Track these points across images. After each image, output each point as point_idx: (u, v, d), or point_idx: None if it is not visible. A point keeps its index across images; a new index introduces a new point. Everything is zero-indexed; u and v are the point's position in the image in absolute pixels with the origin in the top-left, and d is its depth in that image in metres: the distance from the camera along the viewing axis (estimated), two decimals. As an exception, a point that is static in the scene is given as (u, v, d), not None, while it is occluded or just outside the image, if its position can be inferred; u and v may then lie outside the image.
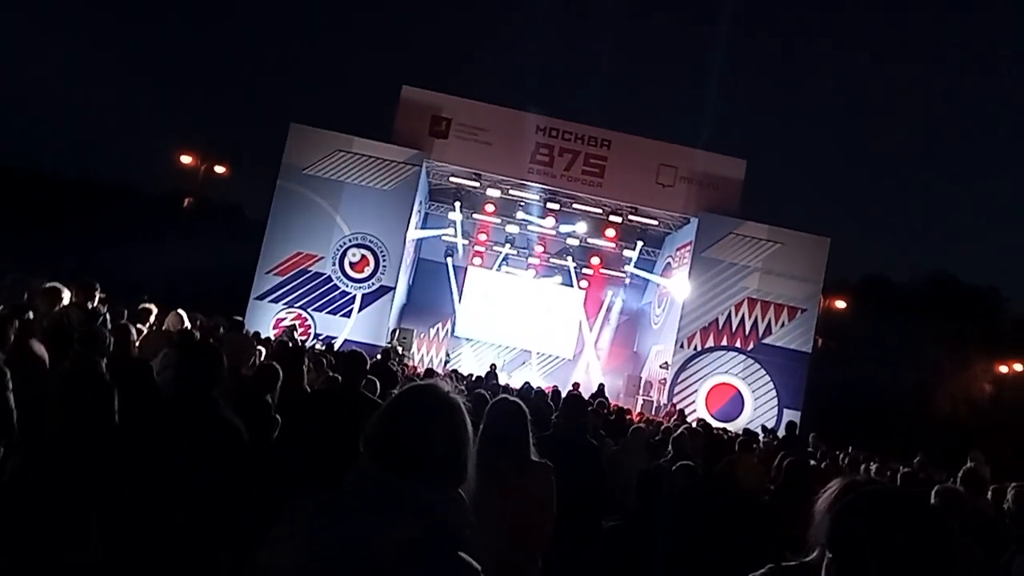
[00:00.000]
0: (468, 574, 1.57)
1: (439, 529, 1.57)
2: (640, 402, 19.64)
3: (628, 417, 11.17)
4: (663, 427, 9.42)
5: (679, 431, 7.82)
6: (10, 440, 3.40)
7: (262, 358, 7.04)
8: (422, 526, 1.56)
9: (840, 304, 22.94)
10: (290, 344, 8.95)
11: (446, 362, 20.21)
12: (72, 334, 3.74)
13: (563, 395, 11.82)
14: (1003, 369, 28.43)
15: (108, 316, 5.46)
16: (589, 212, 21.30)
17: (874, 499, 1.60)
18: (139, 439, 3.12)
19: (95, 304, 5.63)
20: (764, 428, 14.26)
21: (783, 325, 19.03)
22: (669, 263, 21.76)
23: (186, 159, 22.32)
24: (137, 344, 6.10)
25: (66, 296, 5.16)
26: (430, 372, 11.20)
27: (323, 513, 1.59)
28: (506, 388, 13.25)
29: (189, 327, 7.74)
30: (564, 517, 3.36)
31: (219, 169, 22.89)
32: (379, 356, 10.27)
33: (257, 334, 12.33)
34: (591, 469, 4.79)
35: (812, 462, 8.38)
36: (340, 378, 5.25)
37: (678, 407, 17.09)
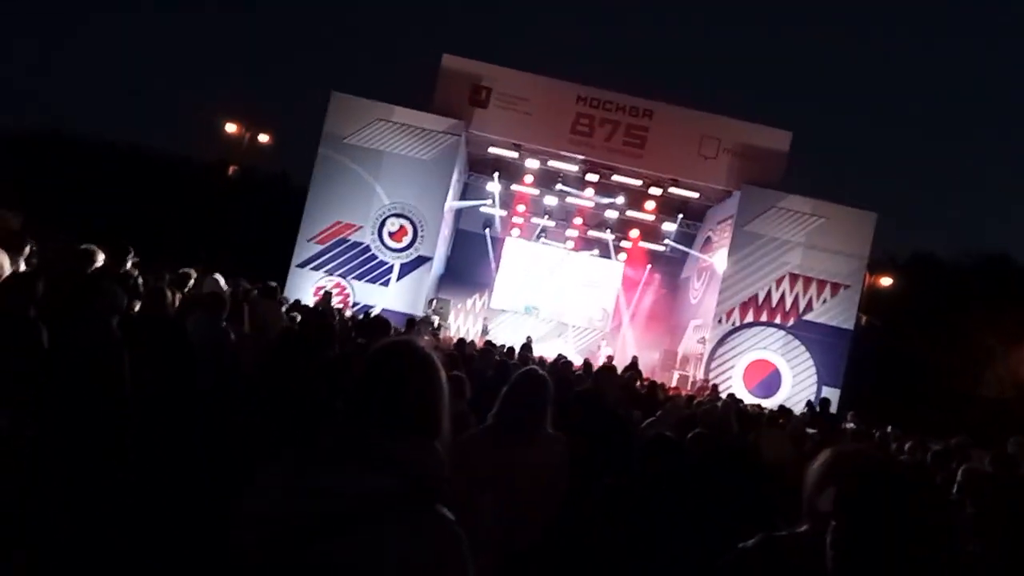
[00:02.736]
0: (445, 526, 1.59)
1: (415, 481, 1.59)
2: (676, 376, 19.51)
3: (664, 389, 11.10)
4: (696, 401, 9.34)
5: (709, 405, 7.76)
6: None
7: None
8: (397, 478, 1.57)
9: (886, 281, 22.32)
10: (320, 310, 9.05)
11: (484, 333, 20.28)
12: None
13: (592, 363, 11.83)
14: (1056, 351, 27.48)
15: (141, 279, 5.57)
16: (629, 184, 21.03)
17: (875, 471, 1.59)
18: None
19: (126, 267, 5.75)
20: (810, 404, 14.05)
21: (825, 301, 18.64)
22: (709, 237, 21.43)
23: (231, 127, 22.59)
24: (175, 307, 6.25)
25: (100, 258, 5.28)
26: (462, 343, 11.24)
27: (299, 464, 1.62)
28: (540, 360, 13.28)
29: (225, 291, 7.89)
30: (577, 480, 3.37)
31: (263, 137, 23.11)
32: (405, 327, 10.34)
33: (297, 301, 12.53)
34: (611, 434, 4.80)
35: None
36: (363, 343, 5.30)
37: (712, 382, 16.93)
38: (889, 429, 12.96)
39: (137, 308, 4.84)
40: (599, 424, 4.74)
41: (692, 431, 6.54)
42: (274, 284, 10.71)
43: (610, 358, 19.38)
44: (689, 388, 17.71)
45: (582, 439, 3.64)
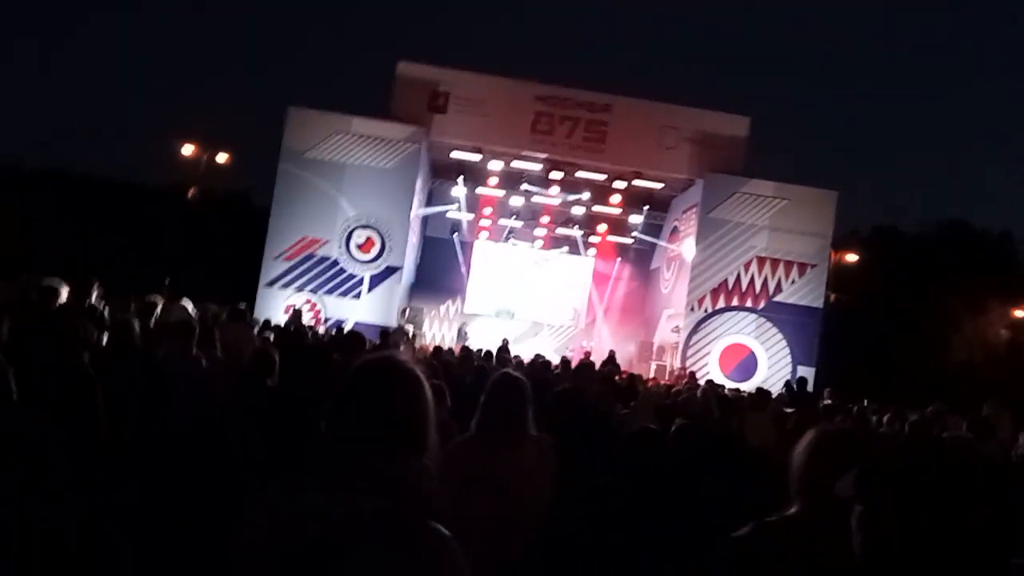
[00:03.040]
0: (441, 542, 1.57)
1: (407, 499, 1.57)
2: (653, 367, 19.64)
3: (641, 380, 11.15)
4: (673, 390, 9.40)
5: (688, 394, 7.81)
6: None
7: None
8: (389, 497, 1.55)
9: (851, 257, 22.72)
10: (292, 328, 8.97)
11: (461, 338, 20.21)
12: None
13: (571, 364, 11.85)
14: (1019, 314, 28.18)
15: (107, 312, 5.46)
16: (593, 179, 21.12)
17: (897, 452, 1.62)
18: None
19: (91, 301, 5.64)
20: (787, 385, 14.21)
21: (793, 282, 18.90)
22: (676, 226, 21.60)
23: (187, 149, 22.28)
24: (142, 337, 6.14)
25: (64, 293, 5.17)
26: (439, 350, 11.21)
27: (288, 490, 1.60)
28: (517, 361, 13.28)
29: (194, 316, 7.78)
30: (563, 480, 3.37)
31: (221, 157, 22.83)
32: (379, 339, 10.27)
33: (267, 321, 12.39)
34: (592, 433, 4.81)
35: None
36: (338, 360, 5.24)
37: (689, 370, 17.06)
38: (866, 403, 13.18)
39: (105, 341, 4.74)
40: (581, 422, 4.75)
41: (672, 421, 6.59)
42: (243, 306, 10.60)
43: (588, 353, 19.46)
44: (667, 378, 17.82)
45: (566, 439, 3.63)
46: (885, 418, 8.07)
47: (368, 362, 1.76)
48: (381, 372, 1.72)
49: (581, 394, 4.96)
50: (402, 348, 11.23)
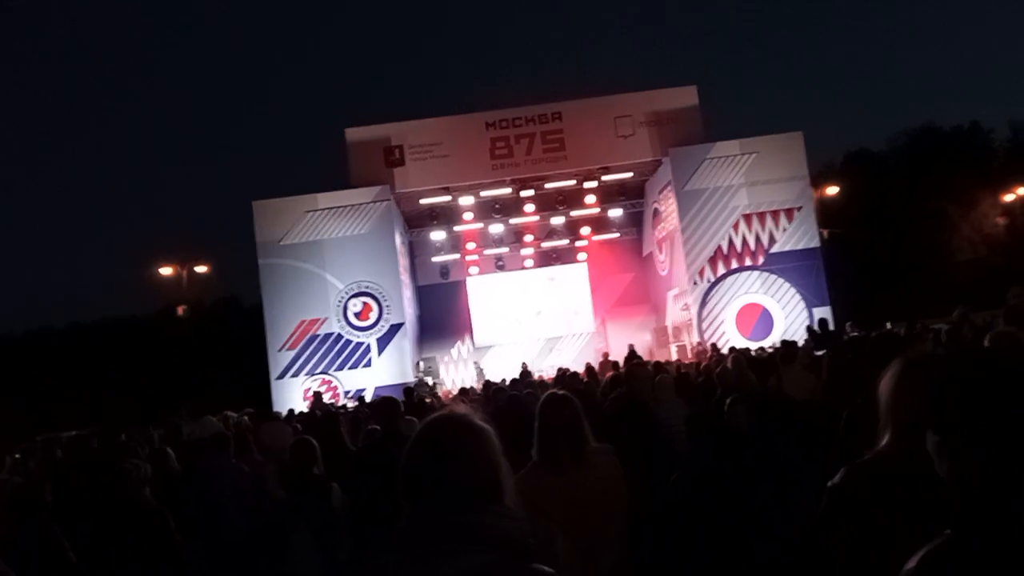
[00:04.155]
0: None
1: (504, 547, 1.58)
2: (674, 349, 19.63)
3: (666, 368, 11.13)
4: (702, 366, 9.40)
5: (720, 366, 7.80)
6: None
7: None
8: (488, 551, 1.56)
9: (832, 190, 22.82)
10: (318, 413, 8.96)
11: (479, 375, 20.18)
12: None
13: (596, 369, 11.85)
14: (1009, 198, 28.29)
15: (137, 446, 5.49)
16: (564, 187, 21.26)
17: (968, 368, 1.50)
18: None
19: (119, 441, 5.66)
20: (809, 329, 14.22)
21: (784, 229, 18.97)
22: (656, 208, 21.71)
23: (166, 271, 22.38)
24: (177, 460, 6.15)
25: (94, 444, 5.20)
26: (464, 392, 11.20)
27: (386, 568, 1.60)
28: (541, 382, 13.27)
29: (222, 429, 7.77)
30: (635, 486, 3.38)
31: (200, 269, 22.93)
32: (404, 398, 10.28)
33: (292, 411, 12.38)
34: (649, 434, 4.83)
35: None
36: (379, 428, 5.26)
37: (710, 342, 17.06)
38: (889, 325, 13.21)
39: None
40: (639, 425, 4.76)
41: (702, 396, 6.58)
42: (257, 411, 10.60)
43: (606, 355, 19.45)
44: (690, 355, 17.83)
45: (625, 444, 3.63)
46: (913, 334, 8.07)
47: (431, 422, 1.79)
48: (447, 429, 1.75)
49: (637, 397, 4.98)
50: (427, 400, 11.22)
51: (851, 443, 1.90)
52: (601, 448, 3.26)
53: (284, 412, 12.60)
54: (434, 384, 18.27)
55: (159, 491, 4.30)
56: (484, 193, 20.90)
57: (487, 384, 12.85)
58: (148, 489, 3.86)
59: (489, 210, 21.54)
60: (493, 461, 1.73)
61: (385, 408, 5.14)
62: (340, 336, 18.57)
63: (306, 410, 13.12)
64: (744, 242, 18.95)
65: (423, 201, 20.84)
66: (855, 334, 11.74)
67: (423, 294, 23.72)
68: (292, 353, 18.45)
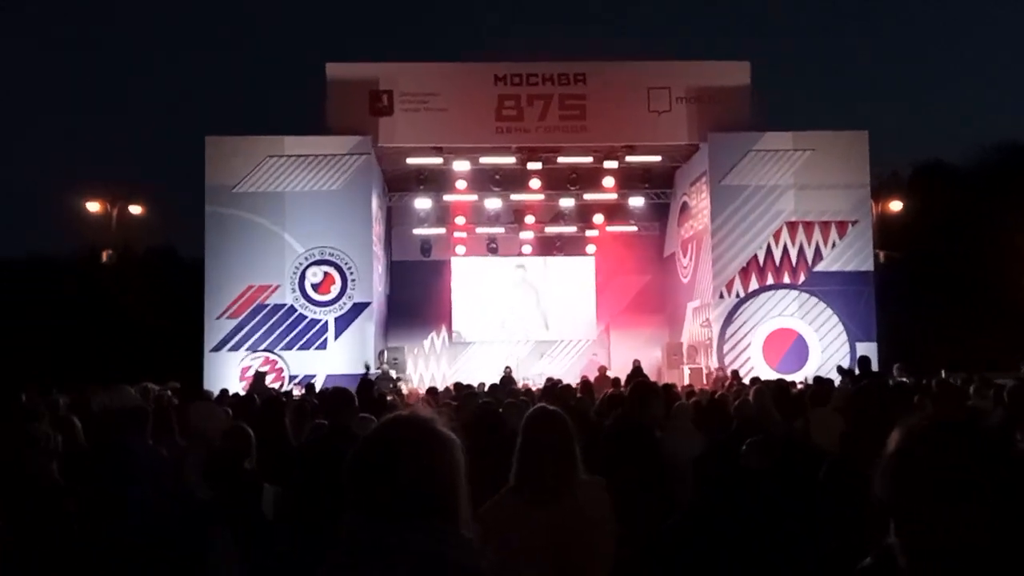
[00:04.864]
0: None
1: (445, 574, 1.64)
2: (687, 372, 19.72)
3: (675, 392, 11.19)
4: (716, 395, 9.45)
5: (741, 398, 7.83)
6: None
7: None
8: (425, 573, 1.63)
9: (896, 206, 22.88)
10: (256, 397, 8.97)
11: (507, 378, 19.73)
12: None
13: (591, 382, 11.89)
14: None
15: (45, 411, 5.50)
16: (579, 164, 21.27)
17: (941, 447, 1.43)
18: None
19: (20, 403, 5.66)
20: (840, 369, 14.30)
21: (834, 245, 19.05)
22: (685, 202, 21.77)
23: (93, 206, 22.26)
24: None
25: None
26: (433, 390, 11.23)
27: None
28: (526, 390, 13.29)
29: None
30: (628, 528, 3.41)
31: (135, 209, 22.83)
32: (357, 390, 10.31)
33: (225, 392, 12.38)
34: (657, 471, 4.87)
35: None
36: (326, 423, 5.28)
37: (731, 369, 17.14)
38: (943, 374, 13.28)
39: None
40: (642, 455, 4.79)
41: (721, 432, 6.61)
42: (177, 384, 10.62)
43: (603, 369, 19.51)
44: (705, 381, 17.89)
45: (621, 476, 3.66)
46: (971, 388, 8.14)
47: (392, 421, 1.85)
48: (406, 431, 1.81)
49: (646, 420, 5.02)
50: (388, 398, 11.25)
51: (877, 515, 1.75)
52: (591, 480, 3.28)
53: (216, 392, 12.60)
54: (398, 379, 18.29)
55: (63, 469, 4.30)
56: (483, 160, 20.89)
57: (458, 387, 12.88)
58: (56, 465, 3.87)
59: (487, 180, 21.55)
60: (452, 478, 1.78)
61: (337, 400, 5.16)
62: (293, 309, 18.57)
63: (242, 392, 13.13)
64: (785, 254, 19.03)
65: (410, 160, 20.82)
66: (902, 379, 11.79)
67: (397, 271, 23.73)
68: (233, 323, 18.45)
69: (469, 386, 12.26)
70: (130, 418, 5.86)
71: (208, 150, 18.83)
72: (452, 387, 13.70)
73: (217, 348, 18.42)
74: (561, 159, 21.07)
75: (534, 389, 15.41)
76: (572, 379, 14.63)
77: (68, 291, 29.86)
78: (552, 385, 10.76)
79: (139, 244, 33.45)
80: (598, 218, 23.15)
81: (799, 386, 11.06)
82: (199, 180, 18.79)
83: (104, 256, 23.23)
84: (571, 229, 23.46)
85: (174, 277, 32.23)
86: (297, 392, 15.07)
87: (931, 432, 1.52)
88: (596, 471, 3.43)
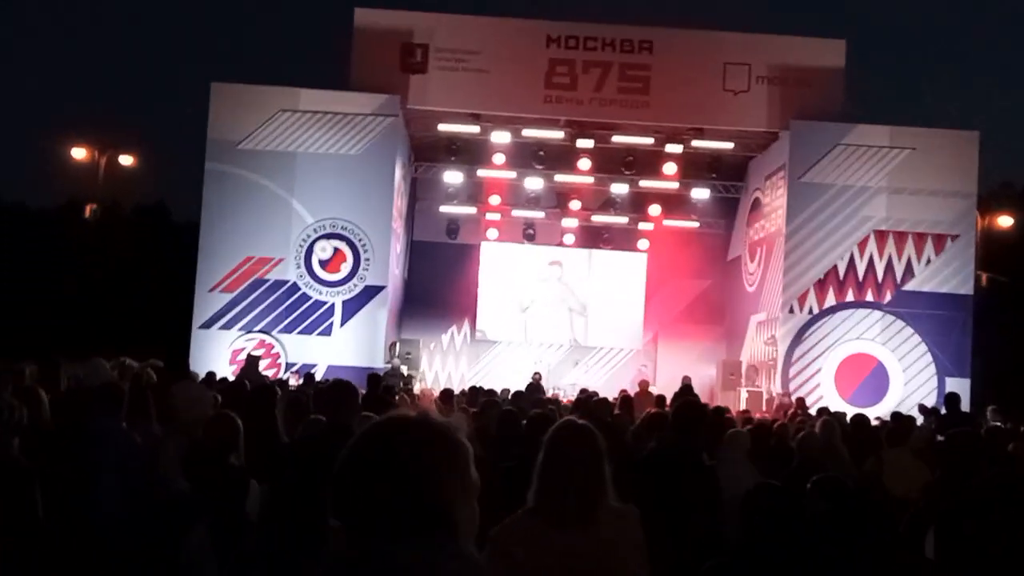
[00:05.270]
0: None
1: None
2: (744, 395, 19.61)
3: (728, 417, 11.16)
4: (776, 424, 9.41)
5: (804, 430, 7.80)
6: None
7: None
8: None
9: (1005, 221, 22.56)
10: (247, 384, 9.08)
11: (535, 385, 19.65)
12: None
13: (632, 398, 11.87)
14: None
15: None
16: (637, 145, 21.20)
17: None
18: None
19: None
20: (922, 408, 14.17)
21: (929, 262, 18.84)
22: (758, 198, 21.62)
23: (79, 153, 22.58)
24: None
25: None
26: (448, 392, 11.28)
27: None
28: (555, 400, 13.29)
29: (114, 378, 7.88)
30: (664, 566, 3.42)
31: (125, 160, 23.13)
32: (366, 385, 10.40)
33: (212, 376, 12.53)
34: (707, 505, 4.88)
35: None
36: (324, 419, 5.33)
37: (796, 396, 17.02)
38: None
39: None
40: (694, 489, 4.80)
41: (778, 468, 6.60)
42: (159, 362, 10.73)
43: (645, 383, 19.44)
44: (764, 408, 17.80)
45: (668, 515, 3.67)
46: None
47: (396, 419, 1.87)
48: (415, 433, 1.82)
49: (690, 444, 5.03)
50: (396, 397, 11.33)
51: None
52: (622, 509, 3.29)
53: (201, 375, 12.74)
54: (410, 377, 18.38)
55: (27, 446, 4.39)
56: (527, 132, 20.89)
57: (476, 391, 12.93)
58: (17, 441, 3.95)
59: (529, 156, 21.54)
60: (454, 485, 1.79)
61: (338, 395, 5.20)
62: (296, 287, 18.72)
63: (232, 378, 13.27)
64: (870, 268, 18.84)
65: (442, 127, 20.86)
66: (996, 424, 11.65)
67: (418, 253, 23.84)
68: (228, 297, 18.63)
69: (490, 391, 12.30)
70: (103, 397, 5.95)
71: (213, 99, 19.01)
72: (469, 391, 13.76)
73: (207, 325, 18.62)
74: (616, 138, 21.01)
75: (564, 400, 15.44)
76: (610, 393, 14.61)
77: (43, 247, 30.30)
78: (586, 397, 10.74)
79: (127, 200, 33.97)
80: (654, 209, 23.05)
81: (874, 422, 10.97)
82: (200, 132, 18.99)
83: (87, 211, 23.61)
84: (622, 220, 23.39)
85: (164, 240, 32.67)
86: (294, 382, 15.21)
87: None
88: (629, 499, 3.44)
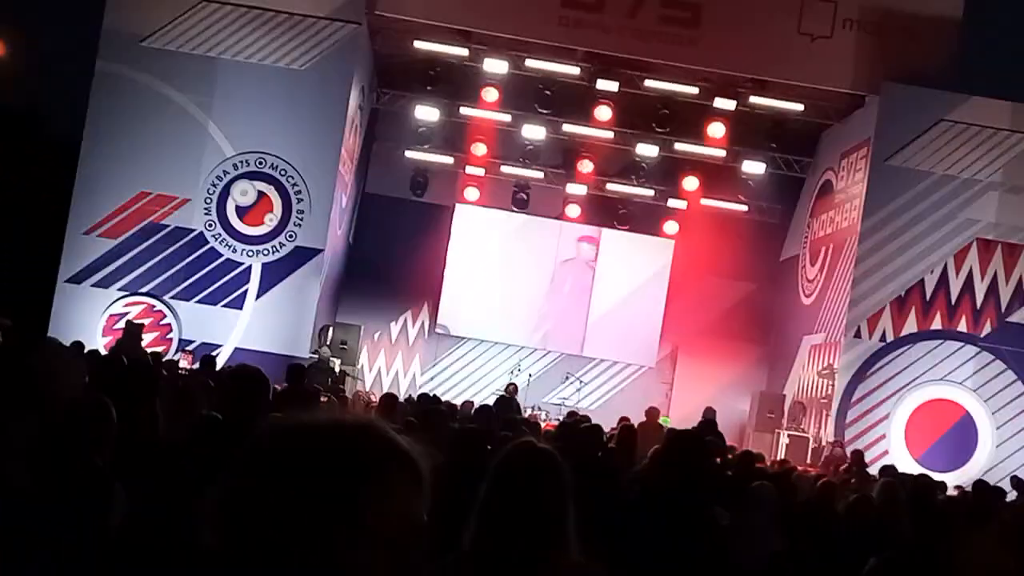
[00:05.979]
0: None
1: None
2: (784, 440, 19.69)
3: (760, 467, 11.24)
4: (821, 482, 9.46)
5: (860, 493, 7.84)
6: None
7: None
8: None
9: None
10: (125, 360, 9.07)
11: (511, 388, 19.34)
12: None
13: (635, 429, 11.90)
14: None
15: None
16: (676, 93, 21.22)
17: None
18: None
19: None
20: (1016, 481, 14.28)
21: (1046, 287, 18.96)
22: (829, 181, 21.69)
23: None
24: None
25: None
26: (391, 399, 11.26)
27: None
28: (533, 421, 13.32)
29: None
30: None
31: (-10, 47, 23.03)
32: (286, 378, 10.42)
33: (80, 346, 12.49)
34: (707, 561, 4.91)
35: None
36: (220, 416, 5.33)
37: (852, 448, 17.09)
38: None
39: None
40: (691, 546, 4.83)
41: (834, 540, 6.64)
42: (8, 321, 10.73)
43: (653, 412, 19.46)
44: (809, 459, 17.87)
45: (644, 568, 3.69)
46: None
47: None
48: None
49: (686, 489, 5.06)
50: (323, 398, 11.34)
51: None
52: (586, 566, 3.30)
53: (66, 343, 12.71)
54: (342, 374, 18.37)
55: None
56: (531, 63, 20.89)
57: (425, 400, 12.98)
58: None
59: (532, 96, 21.49)
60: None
61: (244, 385, 5.20)
62: (202, 239, 18.65)
63: (104, 351, 13.24)
64: (968, 288, 18.92)
65: (419, 44, 20.77)
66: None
67: (371, 210, 23.84)
68: (109, 244, 18.54)
69: (447, 403, 12.33)
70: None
71: (114, -24, 18.90)
72: (418, 399, 13.83)
73: (77, 279, 18.51)
74: (650, 83, 21.02)
75: (544, 424, 15.48)
76: (606, 421, 14.61)
77: None
78: (573, 423, 10.78)
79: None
80: (690, 183, 23.06)
81: (951, 492, 11.07)
82: (94, 22, 18.86)
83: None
84: (647, 192, 23.39)
85: (32, 158, 32.45)
86: (186, 364, 15.19)
87: None
88: (605, 558, 3.46)
